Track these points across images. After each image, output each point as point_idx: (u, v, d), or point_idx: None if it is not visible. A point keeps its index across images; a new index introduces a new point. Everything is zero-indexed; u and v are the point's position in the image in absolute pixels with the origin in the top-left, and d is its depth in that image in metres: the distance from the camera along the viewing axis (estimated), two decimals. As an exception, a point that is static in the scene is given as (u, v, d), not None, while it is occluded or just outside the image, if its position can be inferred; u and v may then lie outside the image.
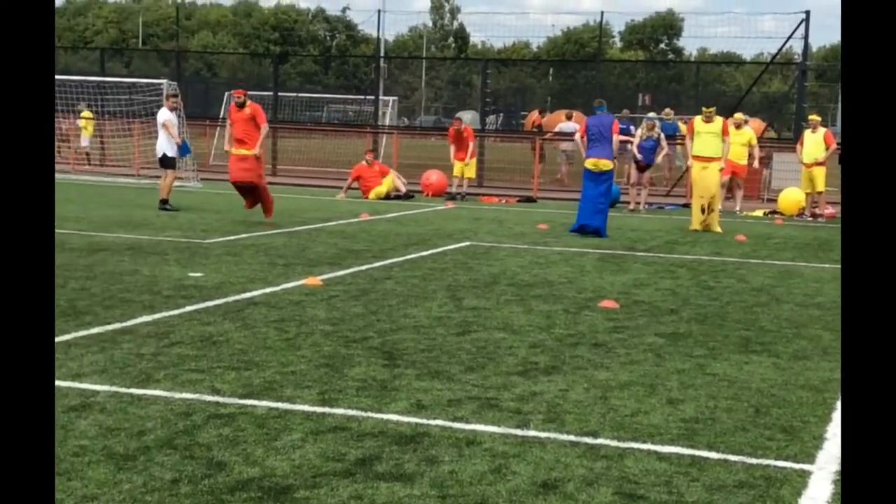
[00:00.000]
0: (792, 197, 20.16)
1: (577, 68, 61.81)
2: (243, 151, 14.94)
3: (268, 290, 9.51)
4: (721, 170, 16.64)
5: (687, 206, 19.74)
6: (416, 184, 22.21)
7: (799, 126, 22.54)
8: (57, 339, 7.13)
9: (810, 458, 5.17)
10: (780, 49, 25.55)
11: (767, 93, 49.61)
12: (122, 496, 4.35)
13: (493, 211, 19.52)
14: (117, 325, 7.69)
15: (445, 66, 78.09)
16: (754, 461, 5.09)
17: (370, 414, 5.65)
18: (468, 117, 35.95)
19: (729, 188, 21.61)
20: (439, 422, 5.55)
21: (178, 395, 5.88)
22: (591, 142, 15.26)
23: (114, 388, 5.98)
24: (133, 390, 5.96)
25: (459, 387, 6.30)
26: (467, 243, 13.79)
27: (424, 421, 5.56)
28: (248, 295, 9.20)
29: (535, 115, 32.24)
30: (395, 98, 38.62)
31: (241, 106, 15.02)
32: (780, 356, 7.47)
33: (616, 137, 15.38)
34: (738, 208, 20.28)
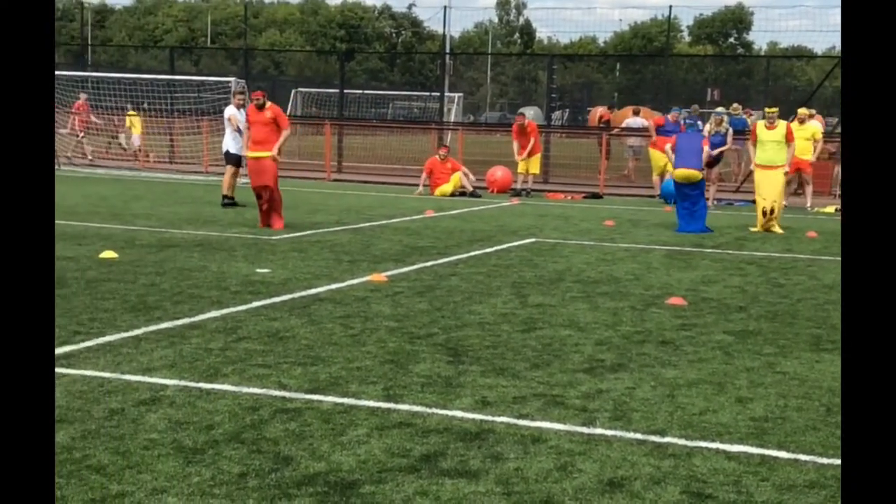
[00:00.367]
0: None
1: (645, 63, 61.36)
2: (259, 154, 14.14)
3: (333, 286, 9.56)
4: (786, 173, 16.37)
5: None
6: (482, 180, 22.19)
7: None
8: (128, 334, 7.24)
9: (884, 460, 5.06)
10: (853, 42, 25.04)
11: (839, 87, 48.73)
12: (191, 489, 4.40)
13: (558, 207, 19.43)
14: (186, 321, 7.78)
15: (511, 62, 77.99)
16: (825, 461, 4.99)
17: (435, 410, 5.65)
18: (531, 113, 35.86)
19: (798, 184, 21.24)
20: (504, 419, 5.53)
21: (245, 390, 5.94)
22: (679, 152, 15.45)
23: (183, 383, 6.05)
24: (201, 385, 6.03)
25: (525, 384, 6.27)
26: (532, 240, 13.74)
27: (489, 418, 5.54)
28: (313, 291, 9.26)
29: (599, 110, 32.05)
30: (461, 94, 38.68)
31: (261, 107, 14.25)
32: (853, 355, 7.32)
33: (707, 149, 15.80)
34: (808, 204, 19.94)
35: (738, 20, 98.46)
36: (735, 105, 27.14)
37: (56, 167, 25.21)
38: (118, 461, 4.69)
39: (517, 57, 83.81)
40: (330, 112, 32.23)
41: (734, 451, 5.10)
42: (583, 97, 49.40)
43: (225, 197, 16.94)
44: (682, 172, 15.25)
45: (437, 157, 21.44)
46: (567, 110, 47.94)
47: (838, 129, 25.11)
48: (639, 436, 5.31)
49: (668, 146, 16.42)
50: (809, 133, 19.33)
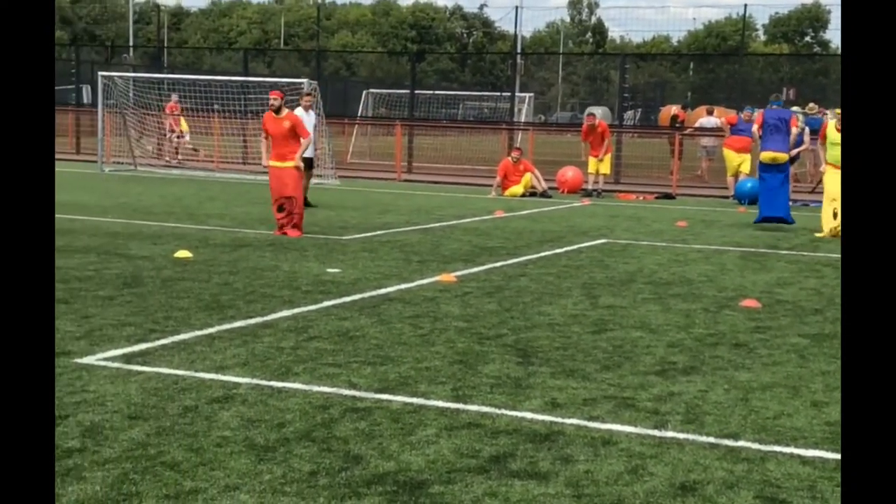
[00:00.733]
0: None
1: (719, 62, 60.64)
2: (280, 164, 13.19)
3: (403, 286, 9.60)
4: None
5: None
6: (552, 181, 22.11)
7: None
8: (201, 333, 7.34)
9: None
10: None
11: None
12: (263, 486, 4.45)
13: (630, 208, 19.28)
14: (258, 319, 7.87)
15: (582, 62, 77.63)
16: (904, 469, 4.88)
17: (504, 411, 5.64)
18: (599, 112, 35.61)
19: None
20: (574, 421, 5.50)
21: (316, 389, 5.98)
22: (766, 134, 15.23)
23: (255, 381, 6.12)
24: (273, 383, 6.09)
25: (595, 386, 6.23)
26: (603, 240, 13.64)
27: (559, 420, 5.51)
28: (383, 291, 9.30)
29: (670, 109, 31.71)
30: (532, 94, 38.52)
31: (278, 111, 13.15)
32: (933, 360, 7.15)
33: (795, 130, 15.48)
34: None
35: (815, 18, 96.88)
36: (811, 105, 26.68)
37: (132, 167, 25.69)
38: (192, 458, 4.76)
39: (589, 56, 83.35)
40: (401, 113, 32.36)
41: (809, 456, 5.02)
42: (655, 97, 49.00)
43: None
44: (769, 154, 15.07)
45: (509, 159, 21.40)
46: (640, 110, 47.59)
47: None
48: (711, 439, 5.24)
49: (754, 128, 16.26)
50: None
